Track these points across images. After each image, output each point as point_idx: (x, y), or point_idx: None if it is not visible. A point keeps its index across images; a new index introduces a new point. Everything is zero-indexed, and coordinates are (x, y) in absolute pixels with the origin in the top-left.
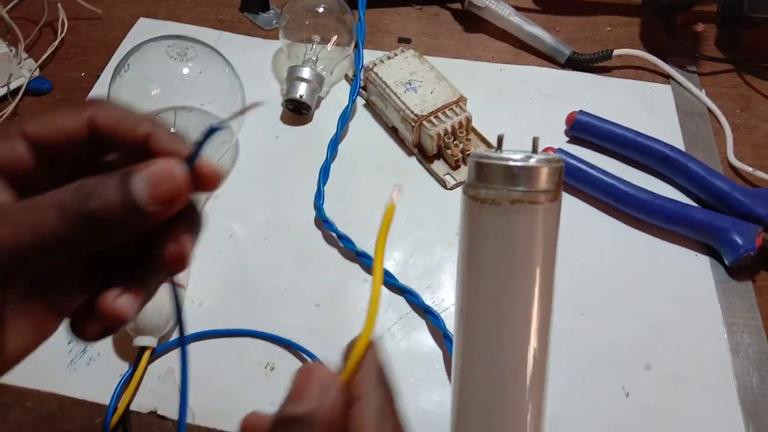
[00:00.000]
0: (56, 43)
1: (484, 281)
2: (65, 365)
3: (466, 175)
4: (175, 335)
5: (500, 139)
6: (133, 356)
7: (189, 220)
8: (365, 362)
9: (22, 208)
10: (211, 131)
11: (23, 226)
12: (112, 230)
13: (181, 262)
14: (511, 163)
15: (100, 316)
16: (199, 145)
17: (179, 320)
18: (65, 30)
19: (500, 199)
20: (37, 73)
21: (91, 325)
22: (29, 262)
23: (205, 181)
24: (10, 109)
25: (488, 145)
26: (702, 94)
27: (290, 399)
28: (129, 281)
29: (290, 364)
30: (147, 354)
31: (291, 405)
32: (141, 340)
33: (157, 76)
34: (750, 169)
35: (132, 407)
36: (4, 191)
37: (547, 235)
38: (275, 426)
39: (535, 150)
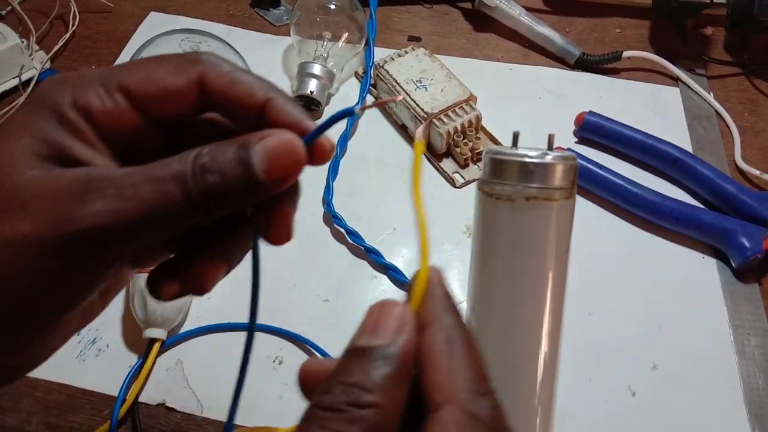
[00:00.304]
0: (67, 35)
1: (498, 276)
2: (74, 356)
3: (474, 174)
4: (221, 320)
5: (516, 136)
6: (143, 348)
7: (292, 192)
8: (429, 290)
9: (141, 180)
10: (344, 114)
11: (145, 200)
12: (229, 203)
13: (286, 235)
14: (527, 160)
15: (185, 280)
16: (327, 124)
17: (254, 303)
18: (76, 23)
19: (515, 196)
20: (48, 65)
21: (169, 286)
22: (149, 234)
23: (318, 156)
24: (21, 99)
25: (497, 144)
26: (710, 97)
27: (364, 333)
28: (217, 250)
29: (298, 358)
30: (156, 346)
31: (366, 338)
32: (151, 332)
33: None
34: (757, 172)
35: (140, 399)
36: (104, 153)
37: (561, 232)
38: (349, 359)
39: (550, 147)
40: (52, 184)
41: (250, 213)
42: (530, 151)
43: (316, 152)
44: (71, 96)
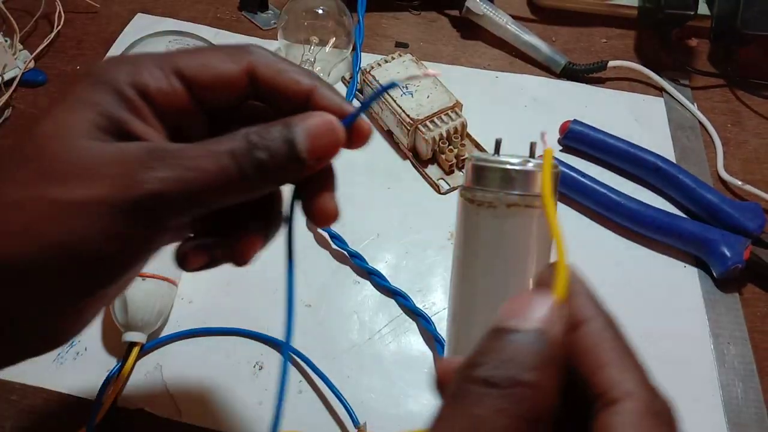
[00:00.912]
0: (52, 35)
1: (479, 282)
2: (52, 359)
3: (459, 181)
4: (204, 324)
5: (498, 143)
6: (122, 352)
7: (331, 175)
8: (576, 288)
9: (201, 154)
10: (386, 88)
11: (206, 171)
12: (274, 179)
13: (331, 217)
14: (509, 167)
15: (222, 254)
16: (366, 104)
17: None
18: (62, 23)
19: (497, 203)
20: (32, 65)
21: (195, 258)
22: (206, 204)
23: (356, 139)
24: (3, 99)
25: (483, 150)
26: (694, 108)
27: (516, 315)
28: (258, 227)
29: (279, 364)
30: (136, 350)
31: (519, 321)
32: (130, 336)
33: None
34: (739, 182)
35: (119, 404)
36: (158, 130)
37: (541, 239)
38: (498, 338)
39: (532, 155)
40: (119, 152)
41: (292, 194)
42: (512, 158)
43: (355, 135)
44: (129, 75)
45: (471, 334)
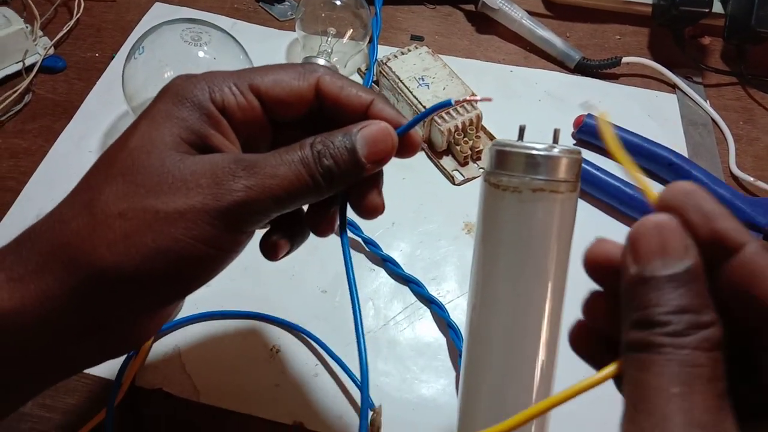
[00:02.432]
0: (72, 22)
1: (501, 266)
2: None
3: (474, 172)
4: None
5: (522, 130)
6: None
7: (379, 173)
8: (715, 211)
9: (279, 162)
10: (439, 107)
11: (286, 178)
12: (339, 183)
13: (378, 212)
14: (535, 152)
15: (265, 248)
16: (419, 117)
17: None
18: (81, 10)
19: (522, 187)
20: (51, 52)
21: (282, 247)
22: (283, 208)
23: (407, 148)
24: (24, 84)
25: None
26: (707, 105)
27: (654, 258)
28: (284, 229)
29: (295, 347)
30: None
31: (657, 264)
32: None
33: (171, 59)
34: (751, 179)
35: (137, 383)
36: (235, 143)
37: (565, 224)
38: (653, 288)
39: (555, 141)
40: (209, 163)
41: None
42: (537, 144)
43: (407, 144)
44: (208, 92)
45: (491, 313)
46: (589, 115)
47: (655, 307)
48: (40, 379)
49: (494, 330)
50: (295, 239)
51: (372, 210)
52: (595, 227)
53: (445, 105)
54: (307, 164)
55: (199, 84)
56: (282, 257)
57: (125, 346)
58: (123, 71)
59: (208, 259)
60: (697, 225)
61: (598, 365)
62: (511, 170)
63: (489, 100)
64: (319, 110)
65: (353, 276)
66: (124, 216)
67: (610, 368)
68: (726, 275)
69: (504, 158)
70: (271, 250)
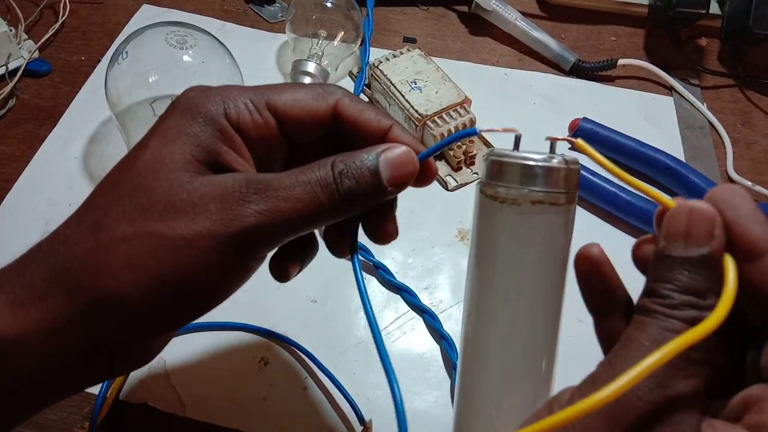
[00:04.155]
0: (57, 25)
1: (498, 278)
2: None
3: (467, 177)
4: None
5: (517, 139)
6: None
7: (394, 200)
8: (744, 211)
9: (294, 183)
10: (462, 136)
11: (300, 201)
12: (360, 205)
13: (392, 238)
14: (533, 163)
15: (276, 270)
16: (440, 145)
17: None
18: (67, 13)
19: (521, 200)
20: (36, 55)
21: (293, 269)
22: (298, 232)
23: (424, 176)
24: (7, 89)
25: (490, 147)
26: (704, 108)
27: (676, 239)
28: (294, 249)
29: (284, 360)
30: None
31: (678, 246)
32: None
33: (155, 63)
34: (749, 183)
35: (121, 397)
36: (249, 161)
37: (563, 235)
38: (662, 265)
39: (552, 151)
40: (219, 186)
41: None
42: (534, 154)
43: (425, 171)
44: (222, 107)
45: (488, 327)
46: (585, 119)
47: (663, 281)
48: (42, 400)
49: (491, 342)
50: (305, 258)
51: (387, 236)
52: (590, 233)
53: (469, 134)
54: (326, 185)
55: (214, 98)
56: (293, 277)
57: (131, 365)
58: (106, 76)
59: (214, 286)
60: (730, 222)
61: None
62: (508, 182)
63: (514, 131)
64: (335, 132)
65: (368, 300)
66: (130, 241)
67: None
68: (746, 275)
69: (501, 169)
70: (282, 273)
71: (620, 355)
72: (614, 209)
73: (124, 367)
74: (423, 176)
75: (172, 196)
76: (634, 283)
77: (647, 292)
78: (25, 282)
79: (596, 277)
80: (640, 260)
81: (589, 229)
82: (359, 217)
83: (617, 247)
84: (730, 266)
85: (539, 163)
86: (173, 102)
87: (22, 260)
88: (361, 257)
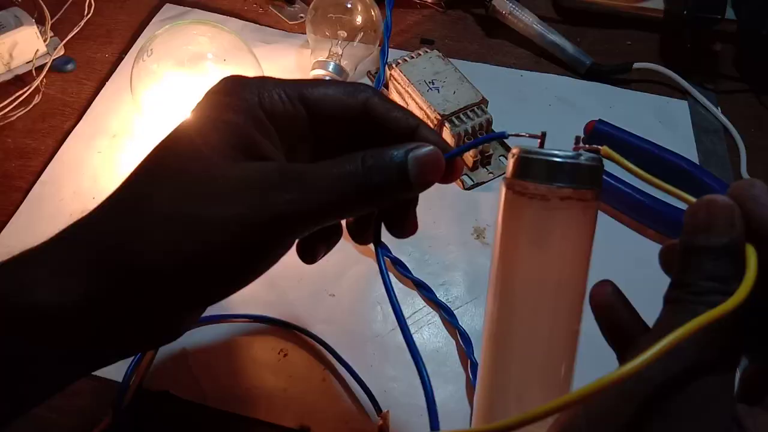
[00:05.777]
0: (82, 23)
1: (524, 272)
2: None
3: (483, 177)
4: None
5: (543, 137)
6: None
7: (416, 198)
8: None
9: (325, 175)
10: (491, 138)
11: (330, 193)
12: (386, 200)
13: (412, 232)
14: (562, 160)
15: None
16: (468, 146)
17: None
18: (92, 11)
19: (550, 195)
20: (62, 52)
21: (321, 251)
22: (325, 221)
23: (450, 174)
24: (34, 84)
25: (507, 148)
26: (718, 112)
27: (696, 231)
28: (321, 232)
29: (303, 351)
30: None
31: (701, 237)
32: None
33: (179, 62)
34: None
35: (144, 386)
36: (281, 150)
37: (588, 230)
38: (687, 257)
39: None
40: (254, 173)
41: (376, 213)
42: (561, 151)
43: (451, 170)
44: (257, 98)
45: (514, 321)
46: (600, 121)
47: (689, 271)
48: (80, 369)
49: (516, 336)
50: (331, 242)
51: (408, 230)
52: (606, 234)
53: (499, 136)
54: (355, 179)
55: (250, 87)
56: (319, 260)
57: (167, 336)
58: (131, 73)
59: (238, 268)
60: (750, 212)
61: None
62: (537, 178)
63: (539, 136)
64: (363, 129)
65: (393, 291)
66: (169, 221)
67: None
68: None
69: (530, 165)
70: (309, 255)
71: (648, 342)
72: (628, 209)
73: (157, 339)
74: (449, 174)
75: (210, 180)
76: (656, 292)
77: (674, 284)
78: (66, 256)
79: (612, 315)
80: (666, 263)
81: (603, 231)
82: (383, 210)
83: (631, 247)
84: (751, 253)
85: (568, 160)
86: (211, 89)
87: (61, 235)
88: (379, 253)
